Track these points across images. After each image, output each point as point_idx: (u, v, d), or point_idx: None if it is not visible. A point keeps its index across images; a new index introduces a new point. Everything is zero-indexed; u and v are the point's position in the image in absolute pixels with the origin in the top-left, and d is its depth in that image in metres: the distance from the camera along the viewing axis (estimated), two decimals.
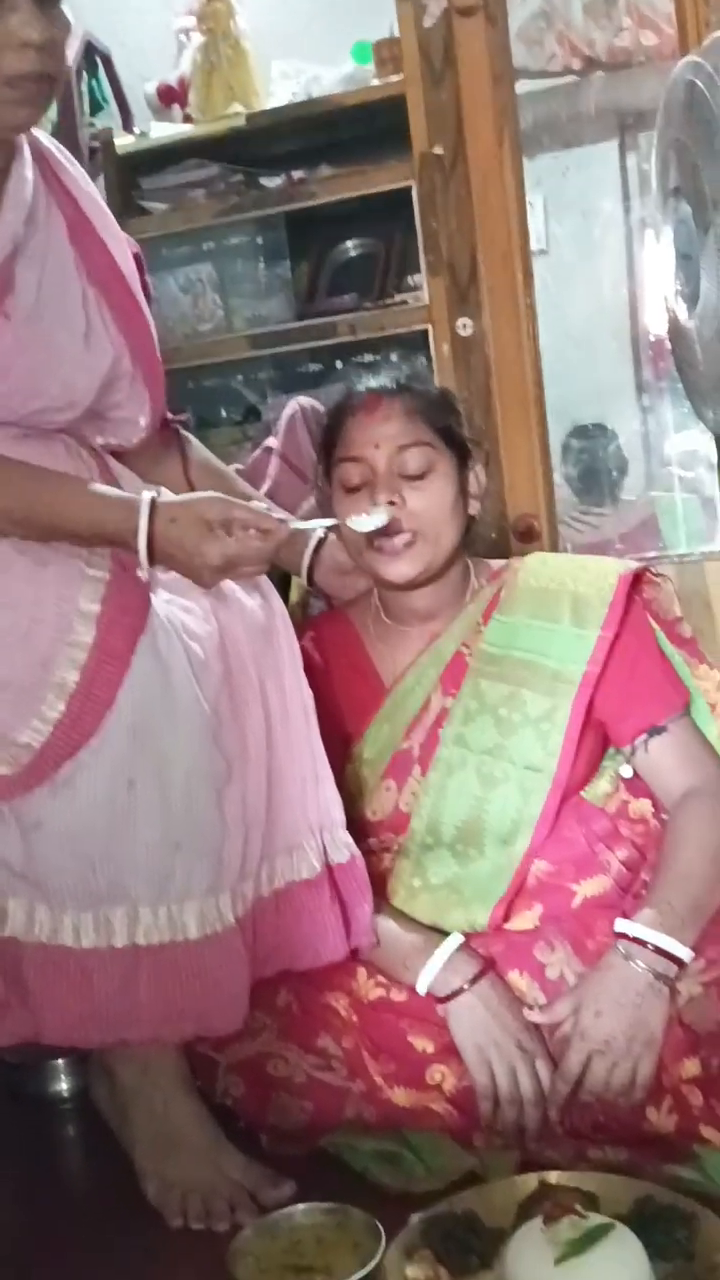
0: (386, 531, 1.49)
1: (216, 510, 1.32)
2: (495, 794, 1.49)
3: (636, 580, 1.55)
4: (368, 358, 2.35)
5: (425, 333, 2.24)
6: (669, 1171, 1.29)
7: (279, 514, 1.43)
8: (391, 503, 1.48)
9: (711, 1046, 1.32)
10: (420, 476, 1.50)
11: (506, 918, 1.46)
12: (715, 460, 3.04)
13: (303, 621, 1.71)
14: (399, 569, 1.51)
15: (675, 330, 2.53)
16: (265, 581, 1.45)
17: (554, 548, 2.39)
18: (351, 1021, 1.41)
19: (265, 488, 1.98)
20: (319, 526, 1.57)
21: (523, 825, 1.47)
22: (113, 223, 1.47)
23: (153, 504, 1.31)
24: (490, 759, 1.49)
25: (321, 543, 1.66)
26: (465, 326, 2.22)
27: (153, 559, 1.31)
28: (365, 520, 1.47)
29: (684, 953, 1.33)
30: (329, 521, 1.55)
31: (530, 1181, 1.28)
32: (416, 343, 2.26)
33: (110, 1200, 1.42)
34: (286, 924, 1.38)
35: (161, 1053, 1.40)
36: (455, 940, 1.41)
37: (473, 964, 1.39)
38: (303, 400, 2.09)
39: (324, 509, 1.62)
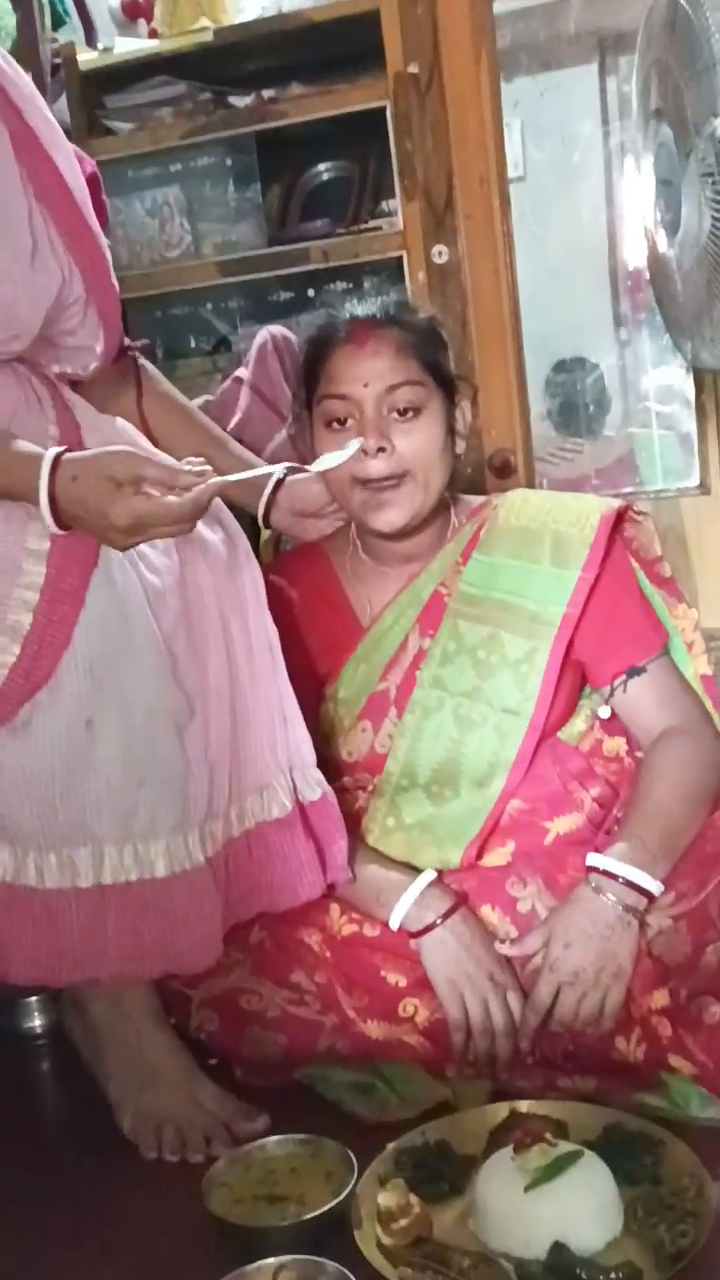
0: (374, 478, 1.45)
1: (123, 466, 1.21)
2: (472, 737, 1.48)
3: (618, 519, 1.53)
4: (341, 286, 2.30)
5: (400, 260, 2.19)
6: (637, 1099, 1.31)
7: (203, 467, 1.29)
8: (381, 449, 1.44)
9: (680, 978, 1.33)
10: (410, 416, 1.46)
11: (479, 856, 1.46)
12: (692, 396, 3.02)
13: (275, 557, 1.69)
14: (388, 517, 1.48)
15: (654, 260, 2.50)
16: (228, 514, 1.41)
17: (530, 483, 2.37)
18: (324, 957, 1.42)
19: (235, 420, 1.93)
20: (267, 472, 1.50)
21: (499, 768, 1.47)
22: (63, 138, 1.39)
23: (55, 460, 1.22)
24: (467, 701, 1.47)
25: (280, 484, 1.62)
26: (441, 254, 2.18)
27: (59, 520, 1.23)
28: (329, 458, 1.40)
29: (654, 886, 1.34)
30: (276, 468, 1.49)
31: (501, 1110, 1.30)
32: (391, 271, 2.21)
33: (84, 1135, 1.43)
34: (260, 864, 1.37)
35: (133, 988, 1.40)
36: (428, 876, 1.41)
37: (445, 899, 1.40)
38: (274, 329, 2.03)
39: (300, 442, 1.58)
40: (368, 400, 1.45)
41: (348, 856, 1.42)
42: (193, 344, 2.54)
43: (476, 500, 1.61)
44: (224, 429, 1.75)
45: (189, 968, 1.34)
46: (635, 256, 3.37)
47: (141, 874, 1.27)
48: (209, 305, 2.52)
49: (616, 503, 1.54)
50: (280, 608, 1.42)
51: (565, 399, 3.23)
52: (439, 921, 1.38)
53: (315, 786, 1.40)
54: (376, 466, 1.45)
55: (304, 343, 1.55)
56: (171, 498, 1.21)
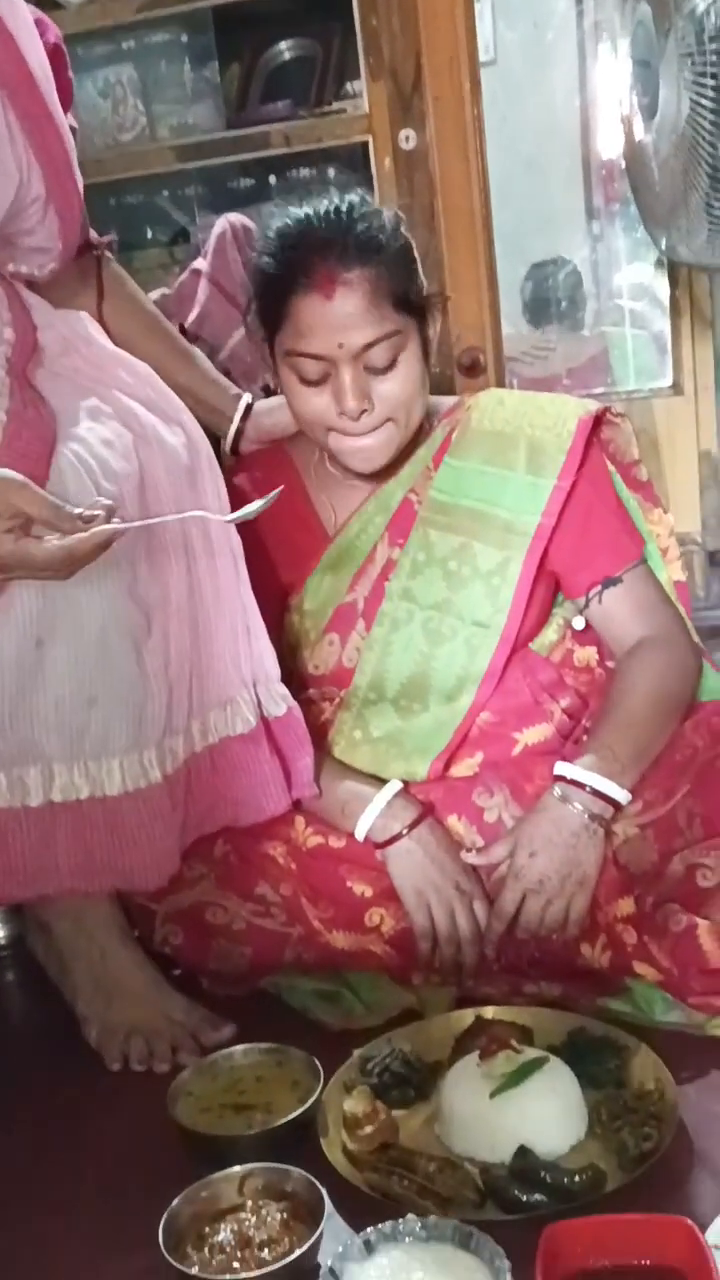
0: (355, 433, 1.38)
1: (4, 502, 1.10)
2: (441, 650, 1.44)
3: (595, 422, 1.47)
4: (304, 172, 2.20)
5: (365, 145, 2.09)
6: (601, 1004, 1.32)
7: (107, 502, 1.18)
8: (364, 411, 1.37)
9: (646, 886, 1.33)
10: (389, 368, 1.38)
11: (447, 768, 1.44)
12: (666, 293, 2.95)
13: (235, 459, 1.63)
14: (367, 460, 1.42)
15: (630, 148, 2.40)
16: (189, 416, 1.35)
17: (500, 383, 2.31)
18: (290, 869, 1.40)
19: (194, 315, 1.86)
20: (177, 520, 1.27)
21: (468, 682, 1.44)
22: (23, 8, 1.28)
23: None
24: (437, 614, 1.44)
25: (249, 409, 1.56)
26: (408, 139, 2.08)
27: None
28: (252, 508, 1.24)
29: (621, 796, 1.33)
30: (190, 514, 1.28)
31: (466, 1017, 1.30)
32: (356, 157, 2.12)
33: (49, 1045, 1.43)
34: (223, 779, 1.35)
35: (95, 904, 1.39)
36: (394, 787, 1.40)
37: (411, 809, 1.38)
38: (233, 218, 1.94)
39: (259, 354, 1.48)
40: (342, 360, 1.35)
41: (314, 771, 1.40)
42: (149, 235, 2.45)
43: (448, 401, 1.55)
44: (182, 324, 1.69)
45: (141, 885, 1.32)
46: (609, 146, 3.26)
47: (93, 792, 1.24)
48: (165, 193, 2.42)
49: (594, 405, 1.48)
50: None
51: (537, 295, 3.15)
52: (405, 832, 1.37)
53: (280, 701, 1.37)
54: (357, 425, 1.38)
55: (257, 270, 1.41)
56: (50, 541, 1.12)
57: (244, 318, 1.52)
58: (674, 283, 2.79)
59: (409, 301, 1.38)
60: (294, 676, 1.43)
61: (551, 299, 3.18)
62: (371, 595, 1.48)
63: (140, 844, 1.26)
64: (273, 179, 2.29)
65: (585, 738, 1.41)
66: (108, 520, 1.14)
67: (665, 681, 1.41)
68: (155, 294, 1.85)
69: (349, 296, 1.33)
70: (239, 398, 1.58)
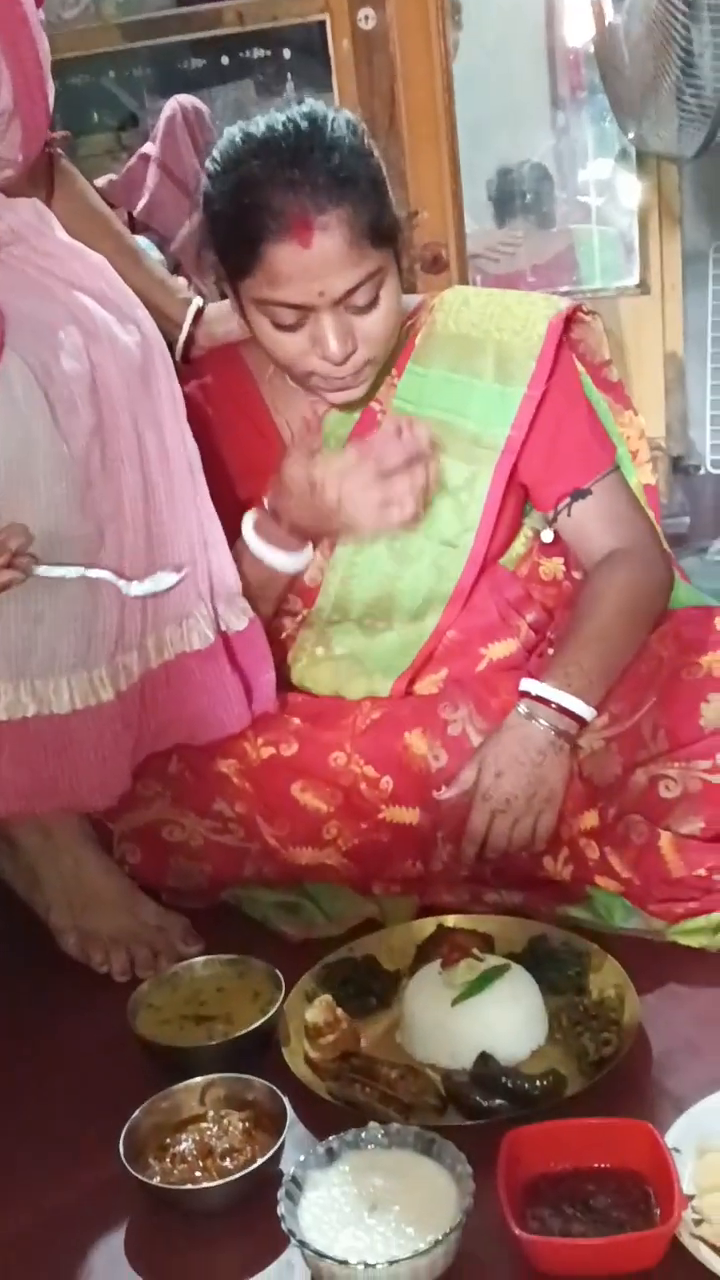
0: (339, 376, 1.31)
1: None
2: (408, 571, 1.40)
3: (565, 321, 1.41)
4: (258, 53, 2.10)
5: (323, 25, 1.99)
6: (562, 912, 1.32)
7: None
8: (349, 354, 1.29)
9: (609, 798, 1.32)
10: (371, 306, 1.29)
11: (411, 686, 1.42)
12: (633, 188, 2.86)
13: (186, 363, 1.55)
14: (345, 398, 1.35)
15: (599, 32, 2.30)
16: (145, 314, 1.27)
17: (464, 280, 2.24)
18: (244, 788, 1.38)
19: (143, 203, 1.77)
20: (82, 574, 1.17)
21: (435, 602, 1.40)
22: None
23: None
24: (403, 532, 1.39)
25: (200, 314, 1.48)
26: (367, 19, 1.98)
27: None
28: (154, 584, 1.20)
29: (587, 712, 1.31)
30: (95, 573, 1.18)
31: (428, 925, 1.30)
32: (313, 38, 2.01)
33: (7, 960, 1.41)
34: (180, 696, 1.31)
35: (59, 816, 1.36)
36: (249, 518, 1.36)
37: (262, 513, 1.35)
38: (183, 100, 1.85)
39: (218, 281, 1.38)
40: (323, 307, 1.26)
41: (273, 688, 1.37)
42: (95, 119, 2.34)
43: (411, 301, 1.47)
44: (130, 212, 1.61)
45: (91, 805, 1.29)
46: (575, 33, 3.14)
47: (40, 710, 1.20)
48: (111, 74, 2.30)
49: (564, 304, 1.42)
50: (195, 423, 1.31)
51: (501, 188, 3.05)
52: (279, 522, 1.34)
53: (241, 615, 1.33)
54: (341, 368, 1.30)
55: (215, 211, 1.28)
56: None
57: (197, 207, 1.43)
58: (643, 175, 2.71)
59: (385, 233, 1.28)
60: None
61: (516, 193, 3.09)
62: None
63: (90, 764, 1.23)
64: (225, 60, 2.17)
65: (550, 651, 1.39)
66: (12, 555, 1.08)
67: (636, 595, 1.38)
68: (102, 180, 1.76)
69: (328, 241, 1.22)
70: (189, 302, 1.51)
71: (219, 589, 1.31)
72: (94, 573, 1.13)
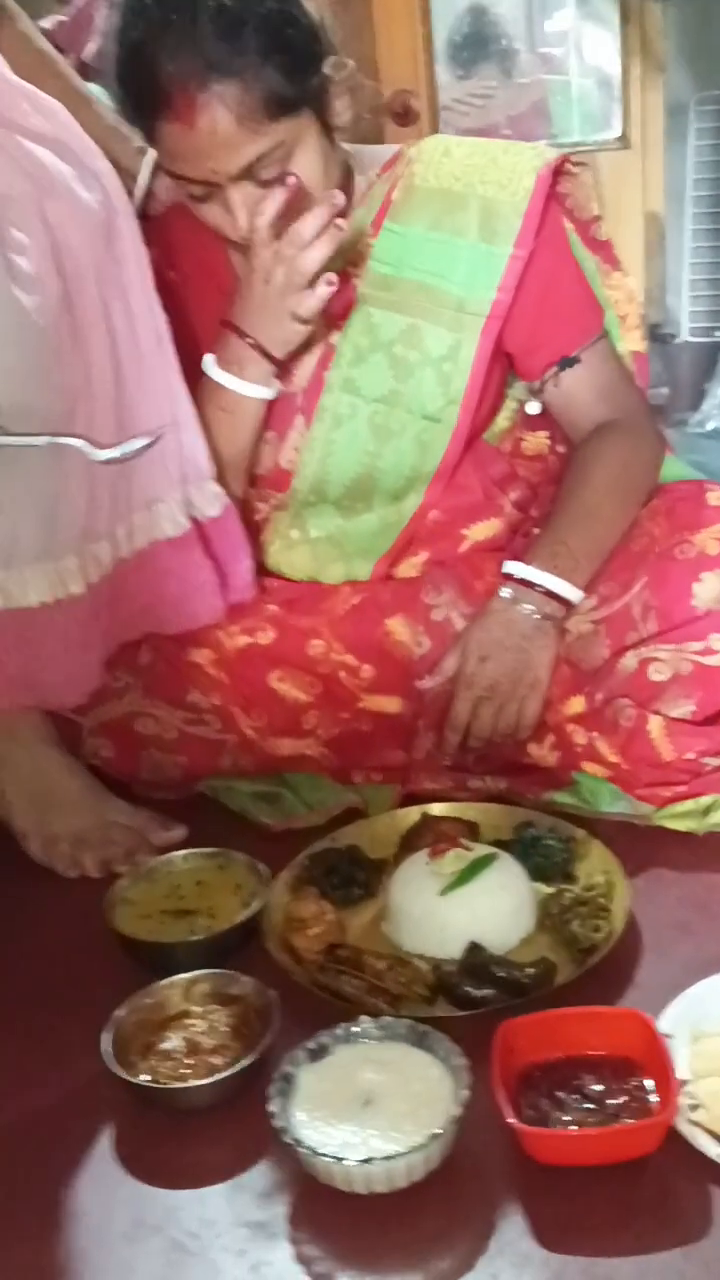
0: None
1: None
2: (389, 448, 1.33)
3: (553, 174, 1.32)
4: None
5: None
6: (548, 798, 1.30)
7: None
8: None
9: (596, 683, 1.28)
10: (279, 177, 1.19)
11: (391, 570, 1.36)
12: (616, 31, 2.70)
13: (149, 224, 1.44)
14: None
15: None
16: (106, 166, 1.16)
17: (434, 131, 2.12)
18: (220, 679, 1.33)
19: (92, 46, 1.63)
20: (49, 441, 1.11)
21: (418, 481, 1.34)
22: None
23: None
24: (384, 408, 1.31)
25: (159, 168, 1.37)
26: None
27: None
28: (121, 450, 1.13)
29: (574, 594, 1.26)
30: (65, 440, 1.10)
31: (412, 814, 1.28)
32: None
33: None
34: (152, 585, 1.25)
35: (19, 715, 1.30)
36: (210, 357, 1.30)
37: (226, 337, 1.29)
38: None
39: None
40: (223, 181, 1.17)
41: (251, 575, 1.31)
42: None
43: (385, 152, 1.37)
44: (78, 55, 1.48)
45: (59, 703, 1.24)
46: None
47: (5, 603, 1.13)
48: None
49: (552, 154, 1.32)
50: (159, 288, 1.21)
51: (470, 32, 2.86)
52: (247, 341, 1.27)
53: (214, 500, 1.26)
54: (263, 235, 1.21)
55: (114, 70, 1.19)
56: None
57: None
58: (625, 17, 2.55)
59: (291, 102, 1.17)
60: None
61: (489, 36, 2.91)
62: (310, 388, 1.35)
63: (58, 659, 1.18)
64: None
65: (535, 531, 1.33)
66: None
67: (626, 469, 1.32)
68: (48, 22, 1.62)
69: (213, 118, 1.13)
70: (143, 152, 1.39)
71: (191, 471, 1.24)
72: (64, 440, 1.04)
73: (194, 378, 1.26)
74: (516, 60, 2.93)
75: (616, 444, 1.33)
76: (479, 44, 2.91)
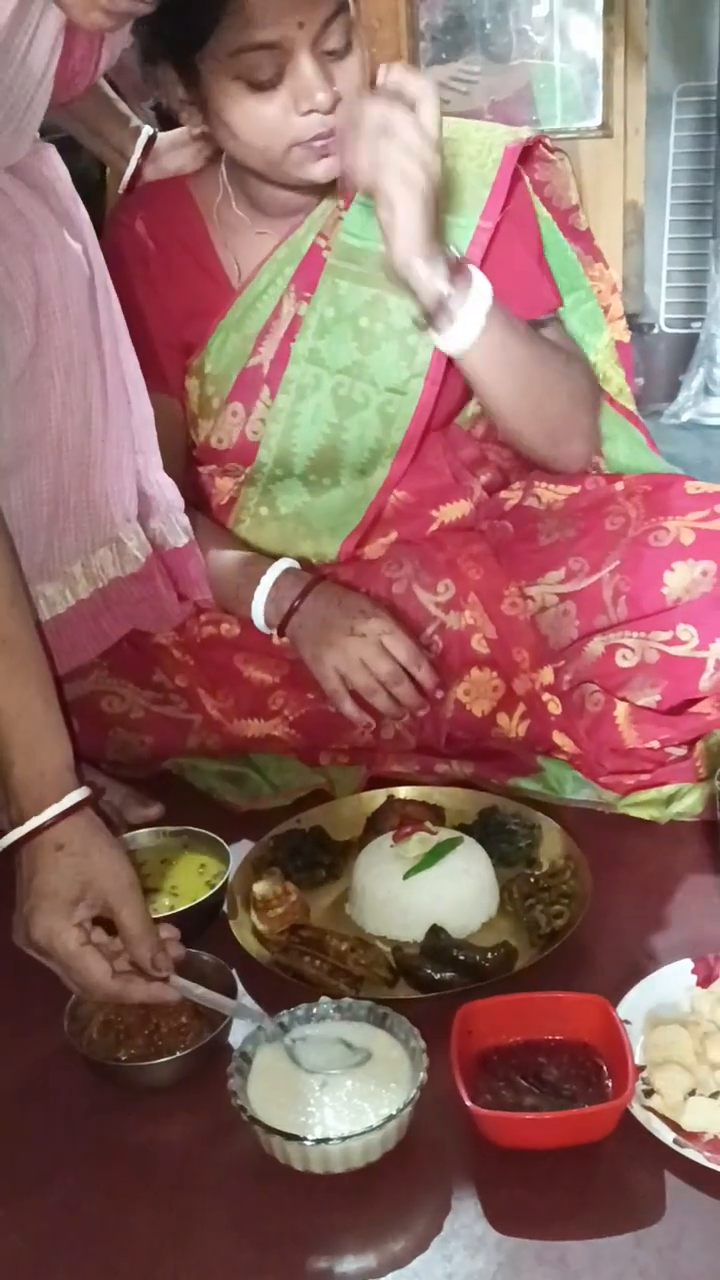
0: (322, 135, 1.19)
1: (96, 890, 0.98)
2: (353, 421, 1.33)
3: (526, 156, 1.32)
4: None
5: None
6: (513, 784, 1.30)
7: None
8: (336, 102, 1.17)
9: (565, 661, 1.29)
10: (346, 49, 1.18)
11: (359, 549, 1.36)
12: (599, 18, 2.69)
13: (129, 193, 1.43)
14: (327, 166, 1.23)
15: None
16: (84, 217, 1.15)
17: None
18: (185, 661, 1.33)
19: None
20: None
21: (383, 455, 1.34)
22: None
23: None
24: (348, 379, 1.30)
25: (151, 142, 1.36)
26: None
27: None
28: None
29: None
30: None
31: (378, 796, 1.28)
32: None
33: None
34: (114, 616, 1.24)
35: None
36: (281, 566, 1.31)
37: (299, 582, 1.30)
38: None
39: (160, 84, 1.26)
40: (301, 44, 1.15)
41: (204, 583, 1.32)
42: None
43: None
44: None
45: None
46: None
47: None
48: None
49: (525, 133, 1.32)
50: (135, 260, 1.20)
51: (457, 15, 2.84)
52: (297, 605, 1.29)
53: (181, 533, 1.26)
54: (325, 122, 1.18)
55: None
56: (109, 965, 0.97)
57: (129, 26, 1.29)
58: (609, 8, 2.55)
59: None
60: (191, 452, 1.30)
61: (474, 23, 2.89)
62: (277, 358, 1.35)
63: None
64: None
65: (503, 520, 1.34)
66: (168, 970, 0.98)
67: (574, 367, 1.34)
68: None
69: None
70: (138, 131, 1.38)
71: (156, 505, 1.23)
72: (247, 1008, 1.00)
73: (168, 347, 1.24)
74: (500, 44, 2.92)
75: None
76: (462, 27, 2.90)
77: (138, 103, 1.48)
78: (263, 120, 1.19)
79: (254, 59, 1.16)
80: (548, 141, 1.36)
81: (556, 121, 2.80)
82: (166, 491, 1.25)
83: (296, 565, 1.32)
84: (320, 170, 1.24)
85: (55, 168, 1.15)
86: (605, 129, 2.61)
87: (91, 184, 1.45)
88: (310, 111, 1.18)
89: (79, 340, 1.13)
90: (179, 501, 1.26)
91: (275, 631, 1.31)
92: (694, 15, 2.64)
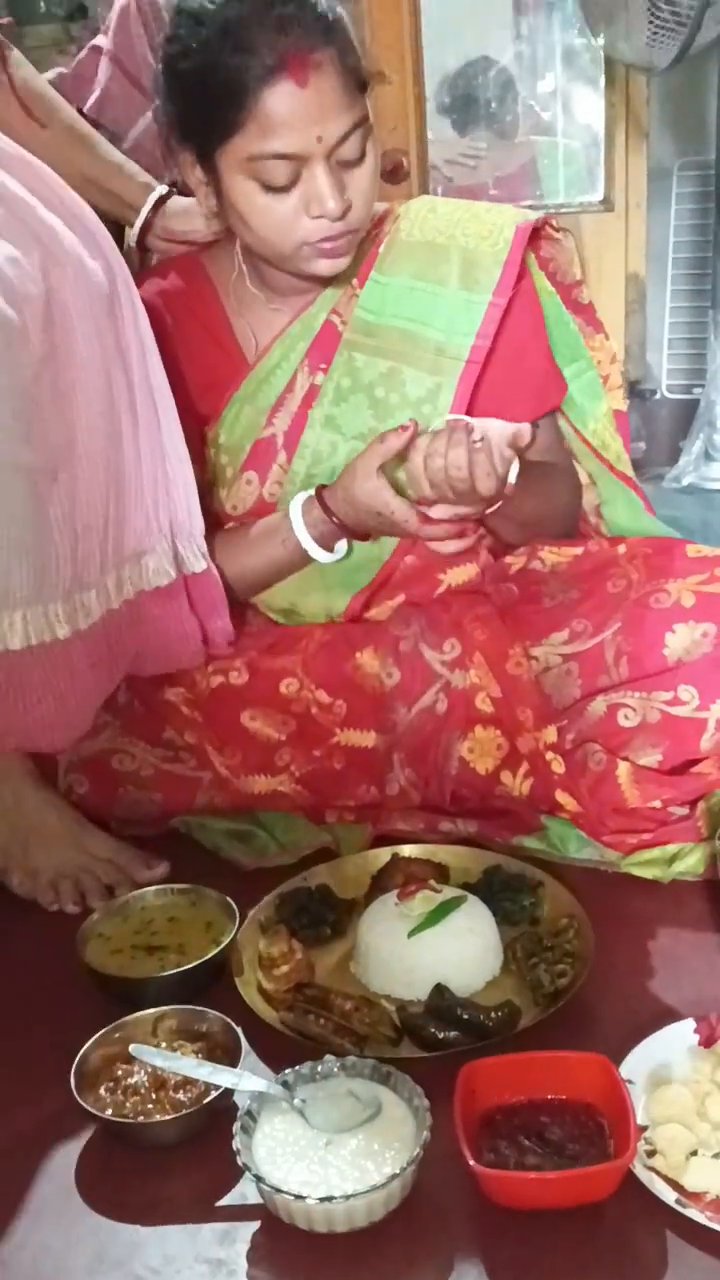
0: (333, 236, 1.25)
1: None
2: None
3: (533, 235, 1.37)
4: None
5: None
6: (516, 842, 1.31)
7: None
8: (347, 209, 1.24)
9: (568, 722, 1.31)
10: (360, 160, 1.24)
11: (366, 608, 1.39)
12: (599, 100, 2.77)
13: (145, 269, 1.48)
14: (333, 265, 1.29)
15: None
16: (105, 234, 1.19)
17: (425, 190, 2.17)
18: (194, 718, 1.35)
19: (93, 98, 1.68)
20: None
21: None
22: None
23: None
24: (364, 446, 1.34)
25: (161, 203, 1.41)
26: None
27: None
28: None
29: None
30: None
31: (383, 855, 1.29)
32: None
33: None
34: (139, 633, 1.27)
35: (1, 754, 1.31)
36: (296, 503, 1.34)
37: (314, 502, 1.33)
38: None
39: (182, 171, 1.30)
40: (318, 156, 1.20)
41: (228, 632, 1.35)
42: (43, 9, 2.22)
43: (377, 209, 1.40)
44: (80, 107, 1.52)
45: (47, 745, 1.26)
46: None
47: None
48: None
49: (534, 215, 1.37)
50: (154, 334, 1.24)
51: (461, 94, 2.93)
52: (333, 521, 1.31)
53: (200, 558, 1.29)
54: (335, 227, 1.24)
55: (190, 70, 1.21)
56: None
57: (150, 103, 1.36)
58: (610, 87, 2.63)
59: (364, 82, 1.24)
60: (209, 515, 1.33)
61: (481, 101, 2.98)
62: (292, 426, 1.39)
63: (45, 703, 1.18)
64: None
65: (508, 582, 1.37)
66: None
67: (562, 484, 1.44)
68: (51, 74, 1.66)
69: (323, 80, 1.18)
70: (149, 187, 1.43)
71: (180, 527, 1.26)
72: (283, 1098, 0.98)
73: (183, 419, 1.28)
74: (506, 121, 3.00)
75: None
76: (470, 105, 2.99)
77: (155, 178, 1.53)
78: (273, 217, 1.24)
79: (270, 165, 1.21)
80: (554, 222, 1.41)
81: (560, 196, 2.88)
82: (193, 515, 1.28)
83: (305, 496, 1.34)
84: (325, 267, 1.29)
85: (75, 197, 1.19)
86: (607, 203, 2.68)
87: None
88: (320, 216, 1.23)
89: (98, 352, 1.16)
90: (201, 527, 1.29)
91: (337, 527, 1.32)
92: (693, 92, 2.72)
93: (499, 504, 1.25)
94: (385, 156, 2.11)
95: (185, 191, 1.39)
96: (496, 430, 1.21)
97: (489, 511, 1.27)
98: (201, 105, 1.22)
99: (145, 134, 1.66)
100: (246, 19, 1.18)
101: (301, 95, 1.18)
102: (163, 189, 1.43)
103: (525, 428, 1.23)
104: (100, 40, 1.77)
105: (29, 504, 1.12)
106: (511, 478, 1.23)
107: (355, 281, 1.37)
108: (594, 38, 2.22)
